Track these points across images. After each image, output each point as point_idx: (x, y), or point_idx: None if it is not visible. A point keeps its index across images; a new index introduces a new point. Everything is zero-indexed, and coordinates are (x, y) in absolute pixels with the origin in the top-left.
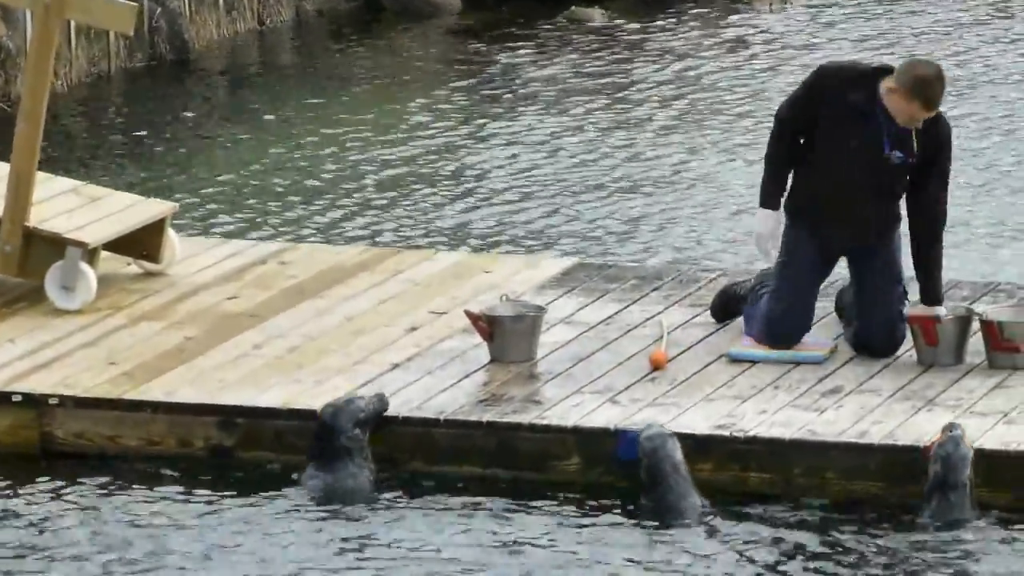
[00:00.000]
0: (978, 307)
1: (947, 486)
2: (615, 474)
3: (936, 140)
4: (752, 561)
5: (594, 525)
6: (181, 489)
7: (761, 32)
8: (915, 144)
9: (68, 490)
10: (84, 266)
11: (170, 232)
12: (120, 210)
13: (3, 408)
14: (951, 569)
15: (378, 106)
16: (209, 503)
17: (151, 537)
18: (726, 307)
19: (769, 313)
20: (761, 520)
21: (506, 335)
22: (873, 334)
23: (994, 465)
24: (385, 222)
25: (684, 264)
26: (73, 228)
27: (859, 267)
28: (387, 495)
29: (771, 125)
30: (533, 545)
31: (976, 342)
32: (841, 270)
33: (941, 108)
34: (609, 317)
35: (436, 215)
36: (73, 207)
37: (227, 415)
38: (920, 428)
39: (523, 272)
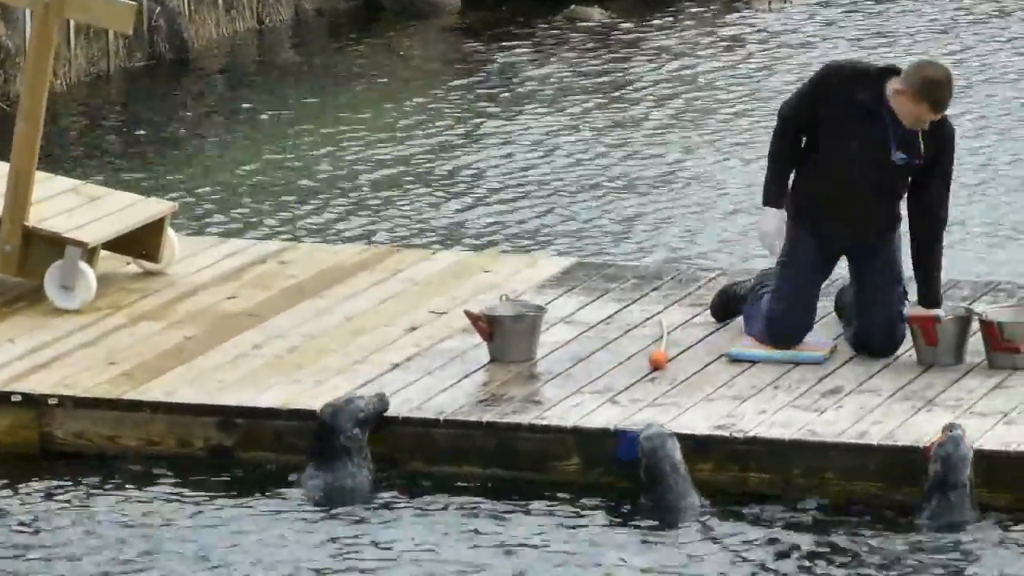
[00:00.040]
0: (978, 307)
1: (947, 486)
2: (615, 474)
3: (940, 141)
4: (751, 561)
5: (594, 525)
6: (181, 489)
7: (760, 31)
8: (922, 146)
9: (67, 490)
10: (83, 265)
11: (169, 231)
12: (119, 209)
13: (3, 408)
14: (951, 570)
15: (377, 105)
16: (209, 503)
17: (150, 537)
18: (726, 307)
19: (770, 313)
20: (761, 520)
21: (506, 335)
22: (873, 334)
23: (994, 466)
24: (384, 221)
25: (683, 263)
26: (72, 227)
27: (859, 267)
28: (387, 495)
29: (770, 124)
30: (533, 545)
31: (976, 342)
32: (841, 270)
33: None
34: (609, 317)
35: (435, 214)
36: (72, 206)
37: (227, 415)
38: (920, 428)
39: (523, 272)
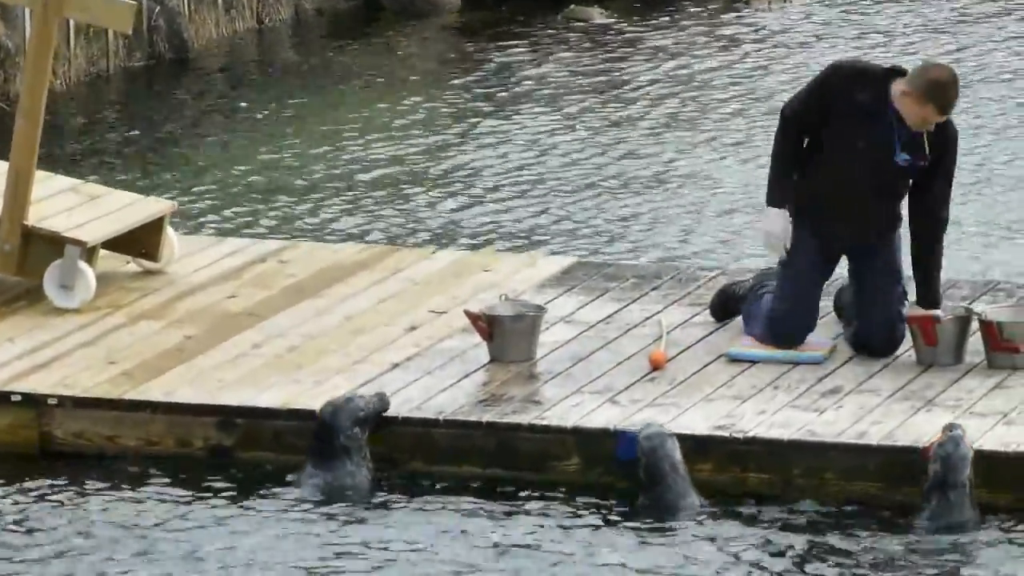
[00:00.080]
0: (977, 306)
1: (947, 486)
2: (614, 474)
3: (944, 142)
4: (750, 561)
5: (593, 525)
6: (180, 489)
7: (760, 31)
8: (927, 147)
9: (67, 490)
10: (83, 265)
11: (169, 230)
12: (119, 208)
13: (2, 408)
14: (950, 570)
15: (377, 105)
16: (208, 503)
17: (150, 537)
18: (725, 306)
19: (773, 313)
20: (760, 520)
21: (506, 335)
22: (873, 334)
23: (993, 466)
24: (382, 220)
25: (683, 262)
26: (72, 227)
27: (859, 266)
28: (386, 495)
29: (768, 124)
30: (532, 545)
31: (975, 342)
32: (840, 270)
33: None
34: (608, 316)
35: (434, 213)
36: (72, 206)
37: (226, 415)
38: (919, 428)
39: (523, 271)
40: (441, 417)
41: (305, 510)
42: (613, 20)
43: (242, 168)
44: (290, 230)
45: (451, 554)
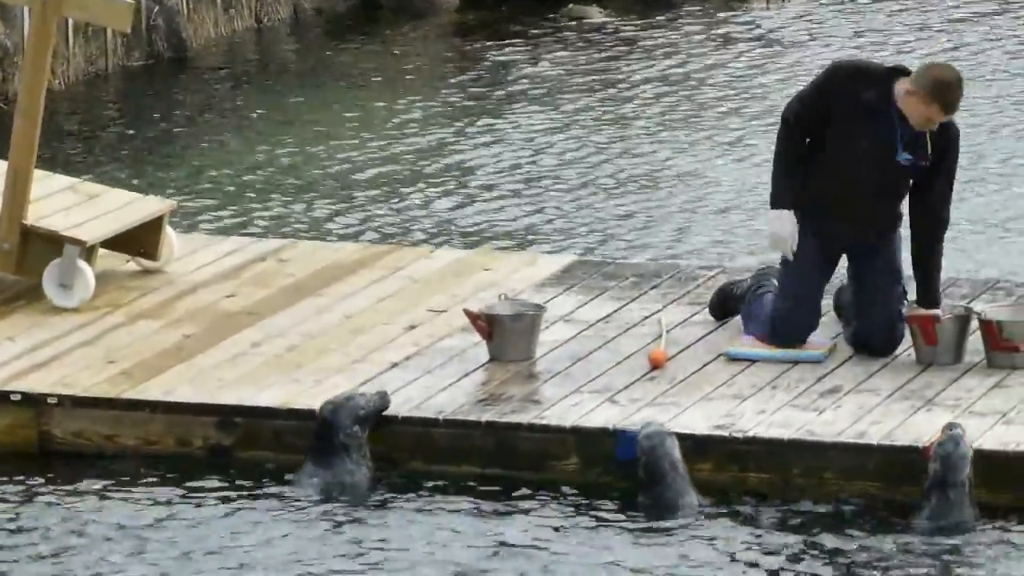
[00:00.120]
0: (977, 305)
1: (946, 484)
2: (614, 474)
3: (946, 142)
4: (749, 560)
5: (593, 525)
6: (179, 489)
7: (759, 30)
8: (929, 147)
9: (66, 489)
10: (82, 264)
11: (168, 229)
12: (118, 208)
13: (1, 407)
14: (949, 570)
15: (375, 104)
16: (207, 503)
17: (149, 537)
18: (724, 305)
19: (776, 312)
20: (759, 520)
21: (505, 334)
22: (873, 333)
23: (992, 465)
24: (381, 219)
25: (680, 261)
26: (71, 226)
27: (859, 266)
28: (386, 494)
29: (765, 122)
30: (531, 545)
31: (975, 341)
32: (839, 270)
33: None
34: (608, 315)
35: (432, 212)
36: (71, 205)
37: (226, 415)
38: (919, 428)
39: (522, 270)
40: (440, 416)
41: (305, 510)
42: (612, 19)
43: (241, 167)
44: (289, 229)
45: (450, 553)
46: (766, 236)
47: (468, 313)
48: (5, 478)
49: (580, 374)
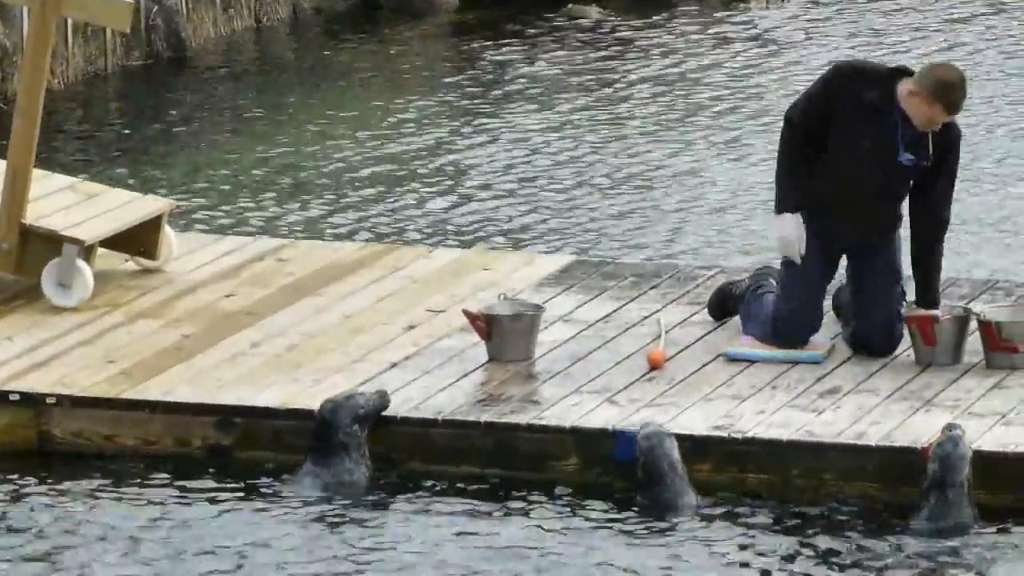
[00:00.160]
0: (976, 306)
1: (945, 485)
2: (613, 474)
3: (948, 143)
4: (747, 561)
5: (592, 525)
6: (178, 489)
7: (759, 29)
8: (931, 147)
9: (65, 489)
10: (81, 263)
11: (167, 229)
12: (117, 207)
13: (0, 407)
14: (948, 570)
15: (374, 103)
16: (206, 503)
17: (148, 537)
18: (723, 305)
19: (777, 313)
20: (758, 520)
21: (504, 334)
22: (872, 334)
23: (991, 466)
24: (379, 219)
25: (677, 260)
26: (70, 225)
27: (859, 266)
28: (385, 495)
29: (763, 121)
30: (530, 545)
31: (974, 341)
32: (839, 270)
33: None
34: (607, 315)
35: (431, 211)
36: (70, 204)
37: (225, 415)
38: (918, 429)
39: (521, 270)
40: (440, 417)
41: (304, 510)
42: (610, 19)
43: (240, 166)
44: (288, 228)
45: (449, 554)
46: (774, 240)
47: (467, 313)
48: (4, 478)
49: (579, 374)
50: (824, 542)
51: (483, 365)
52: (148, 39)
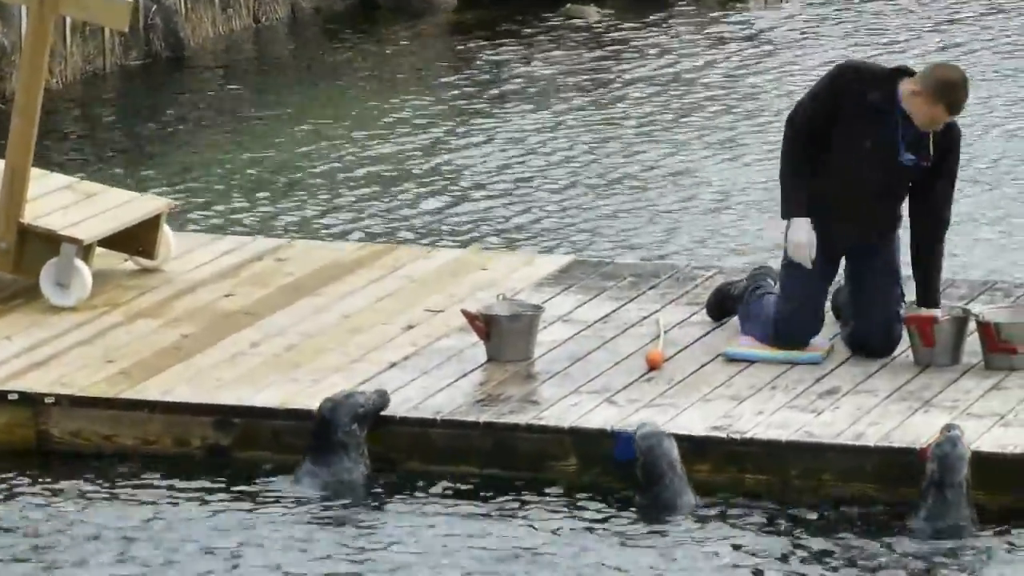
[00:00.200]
0: (975, 307)
1: (944, 485)
2: (612, 474)
3: (948, 143)
4: (746, 562)
5: (590, 525)
6: (177, 489)
7: (758, 29)
8: (931, 147)
9: (64, 489)
10: (79, 263)
11: (166, 228)
12: (115, 206)
13: None
14: (947, 571)
15: (373, 103)
16: (205, 503)
17: (146, 537)
18: (722, 305)
19: (778, 315)
20: (757, 521)
21: (503, 334)
22: (871, 334)
23: (989, 467)
24: (378, 217)
25: (673, 259)
26: (68, 225)
27: (858, 266)
28: (383, 495)
29: (759, 121)
30: (529, 545)
31: (973, 342)
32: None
33: None
34: (606, 315)
35: (428, 211)
36: (68, 203)
37: (224, 414)
38: (916, 430)
39: (520, 270)
40: (438, 417)
41: (302, 510)
42: (608, 19)
43: (238, 166)
44: (287, 227)
45: (447, 554)
46: (787, 245)
47: (466, 313)
48: (2, 478)
49: (578, 374)
50: (823, 542)
51: (482, 365)
52: (146, 38)
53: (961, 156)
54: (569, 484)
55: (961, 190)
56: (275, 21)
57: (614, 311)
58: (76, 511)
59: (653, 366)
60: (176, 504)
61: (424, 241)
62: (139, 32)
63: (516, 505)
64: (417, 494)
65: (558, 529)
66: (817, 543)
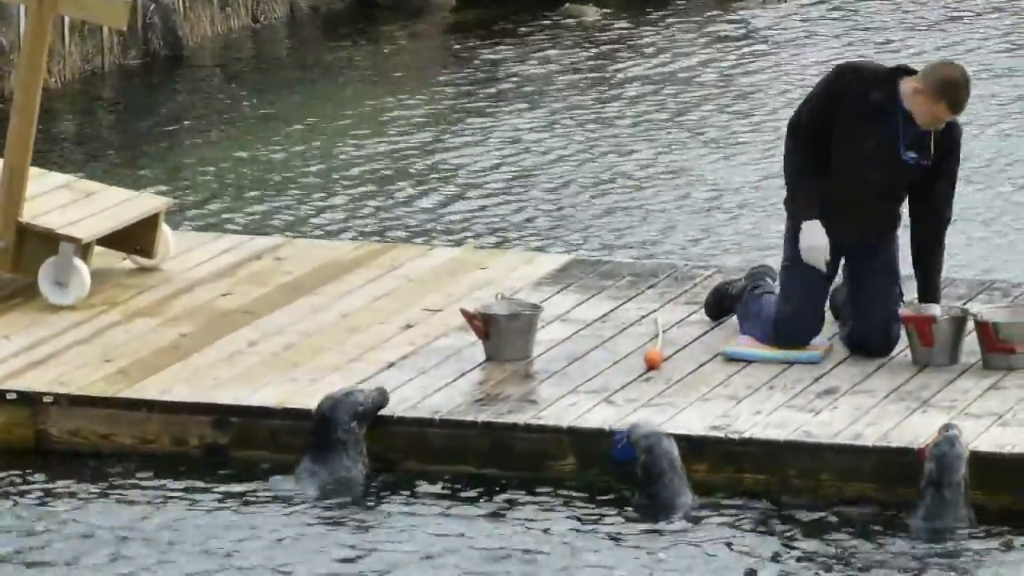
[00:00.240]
0: (973, 307)
1: (942, 485)
2: (610, 474)
3: (949, 142)
4: (745, 561)
5: (589, 525)
6: (175, 488)
7: (757, 29)
8: (932, 146)
9: (62, 488)
10: (77, 262)
11: (164, 227)
12: (114, 205)
13: None
14: (945, 571)
15: (371, 102)
16: (203, 502)
17: (145, 536)
18: (720, 305)
19: (779, 315)
20: (755, 521)
21: (502, 334)
22: (870, 334)
23: (988, 467)
24: (374, 217)
25: (671, 258)
26: (66, 223)
27: (858, 266)
28: (382, 495)
29: (756, 120)
30: (527, 545)
31: (971, 342)
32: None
33: None
34: (605, 315)
35: (425, 210)
36: (66, 202)
37: (222, 414)
38: (915, 429)
39: (519, 269)
40: (437, 416)
41: (299, 509)
42: (607, 19)
43: (237, 165)
44: (286, 226)
45: (445, 554)
46: (803, 248)
47: (464, 313)
48: (1, 477)
49: (577, 374)
50: (821, 542)
51: (480, 364)
52: (145, 37)
53: (961, 154)
54: (567, 484)
55: (956, 189)
56: (273, 20)
57: (612, 310)
58: (73, 510)
59: (652, 366)
60: (174, 503)
61: (420, 239)
62: (137, 31)
63: (514, 504)
64: (415, 493)
65: (555, 528)
66: (815, 543)
